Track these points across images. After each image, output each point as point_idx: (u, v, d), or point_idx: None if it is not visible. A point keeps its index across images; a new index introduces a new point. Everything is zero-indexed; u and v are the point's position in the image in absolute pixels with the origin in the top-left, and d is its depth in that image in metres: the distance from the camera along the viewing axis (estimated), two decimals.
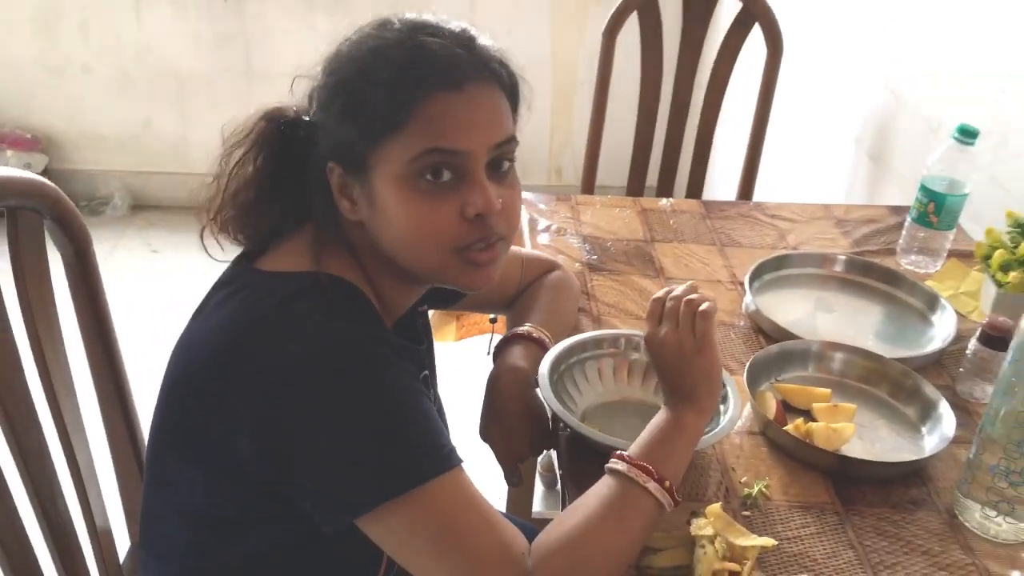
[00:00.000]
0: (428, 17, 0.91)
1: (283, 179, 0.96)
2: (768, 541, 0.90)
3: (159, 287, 2.73)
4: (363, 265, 0.95)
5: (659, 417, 0.95)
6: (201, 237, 0.98)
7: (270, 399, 0.85)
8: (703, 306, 0.95)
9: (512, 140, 0.91)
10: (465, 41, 0.90)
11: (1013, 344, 0.94)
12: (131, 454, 1.25)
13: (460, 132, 0.87)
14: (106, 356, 1.18)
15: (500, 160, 0.91)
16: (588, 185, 2.24)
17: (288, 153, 0.95)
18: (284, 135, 0.95)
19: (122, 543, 1.26)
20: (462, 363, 1.81)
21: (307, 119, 0.94)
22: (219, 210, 0.97)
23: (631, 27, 2.12)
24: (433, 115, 0.86)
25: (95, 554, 1.19)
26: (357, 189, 0.91)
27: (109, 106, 3.24)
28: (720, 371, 0.98)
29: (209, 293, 0.99)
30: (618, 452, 0.91)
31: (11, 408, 1.01)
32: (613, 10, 2.12)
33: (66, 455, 1.12)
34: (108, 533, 1.22)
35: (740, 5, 2.12)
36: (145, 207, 3.26)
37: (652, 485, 0.88)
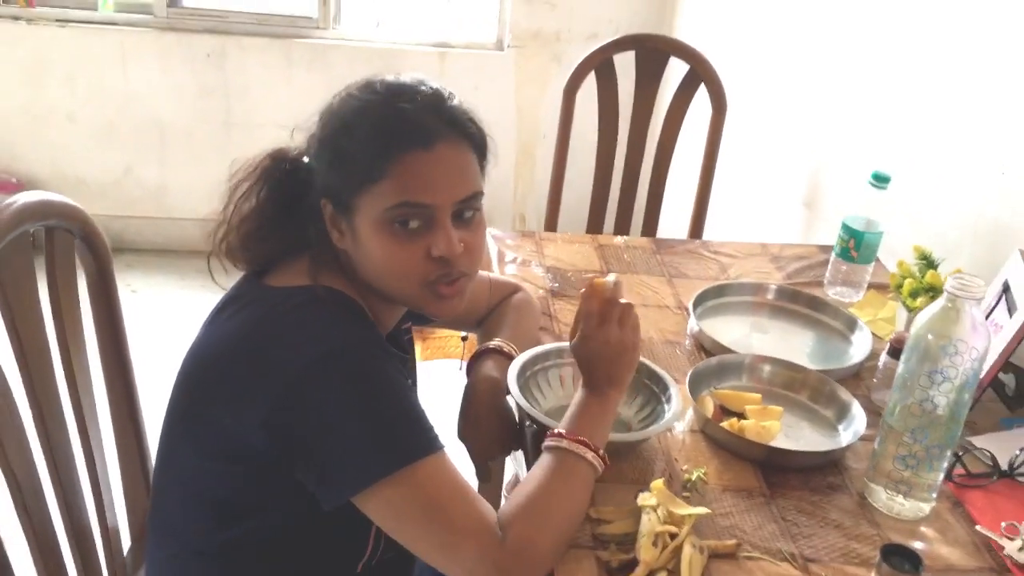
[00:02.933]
0: (406, 79, 1.06)
1: (282, 211, 1.10)
2: (702, 510, 1.06)
3: (137, 325, 2.83)
4: (355, 285, 1.10)
5: (583, 397, 1.09)
6: (208, 260, 1.13)
7: (284, 393, 0.98)
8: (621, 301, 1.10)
9: (476, 195, 1.06)
10: (437, 103, 1.05)
11: (905, 347, 1.12)
12: (136, 454, 1.37)
13: (427, 188, 1.02)
14: (118, 361, 1.32)
15: (463, 210, 1.05)
16: (550, 229, 2.42)
17: (288, 188, 1.09)
18: (286, 173, 1.10)
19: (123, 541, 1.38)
20: (428, 381, 1.96)
21: (306, 160, 1.09)
22: (224, 236, 1.12)
23: (589, 85, 2.33)
24: (404, 172, 1.01)
25: (104, 548, 1.31)
26: (344, 224, 1.06)
27: (92, 153, 3.37)
28: (638, 355, 1.13)
29: (218, 307, 1.13)
30: (555, 431, 1.06)
31: (43, 402, 1.14)
32: (573, 70, 2.33)
33: (84, 451, 1.25)
34: (116, 530, 1.34)
35: (687, 67, 2.33)
36: (124, 250, 3.38)
37: (589, 455, 1.04)
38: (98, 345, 1.30)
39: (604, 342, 1.09)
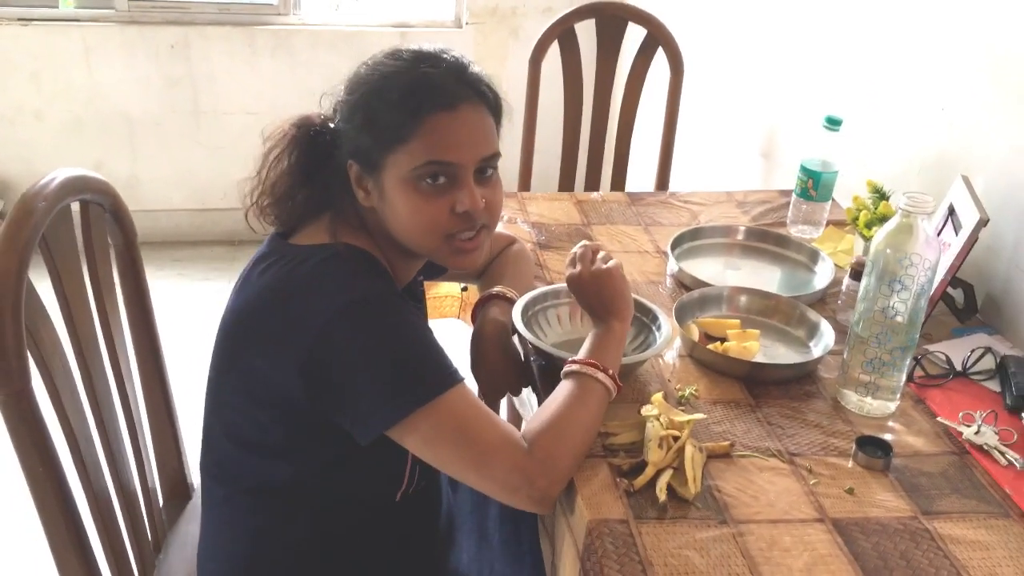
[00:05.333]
0: (429, 48, 1.16)
1: (309, 172, 1.19)
2: (700, 416, 1.20)
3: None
4: (375, 241, 1.20)
5: (592, 332, 1.25)
6: (246, 216, 1.23)
7: (315, 340, 1.07)
8: (601, 253, 1.28)
9: (496, 155, 1.17)
10: (460, 69, 1.15)
11: (867, 262, 1.26)
12: (166, 418, 1.47)
13: (453, 148, 1.12)
14: (146, 329, 1.41)
15: (485, 168, 1.16)
16: (524, 190, 2.54)
17: (314, 152, 1.19)
18: (312, 137, 1.19)
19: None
20: None
21: (332, 126, 1.19)
22: (259, 197, 1.21)
23: (552, 54, 2.44)
24: (432, 132, 1.11)
25: (145, 502, 1.40)
26: (371, 183, 1.15)
27: (62, 149, 3.41)
28: (627, 286, 1.28)
29: (250, 267, 1.22)
30: (570, 359, 1.20)
31: (91, 367, 1.23)
32: (535, 41, 2.45)
33: (123, 413, 1.34)
34: (155, 488, 1.44)
35: (645, 32, 2.46)
36: None
37: (601, 375, 1.17)
38: (126, 314, 1.39)
39: (590, 275, 1.26)
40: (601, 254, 1.30)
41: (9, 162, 3.39)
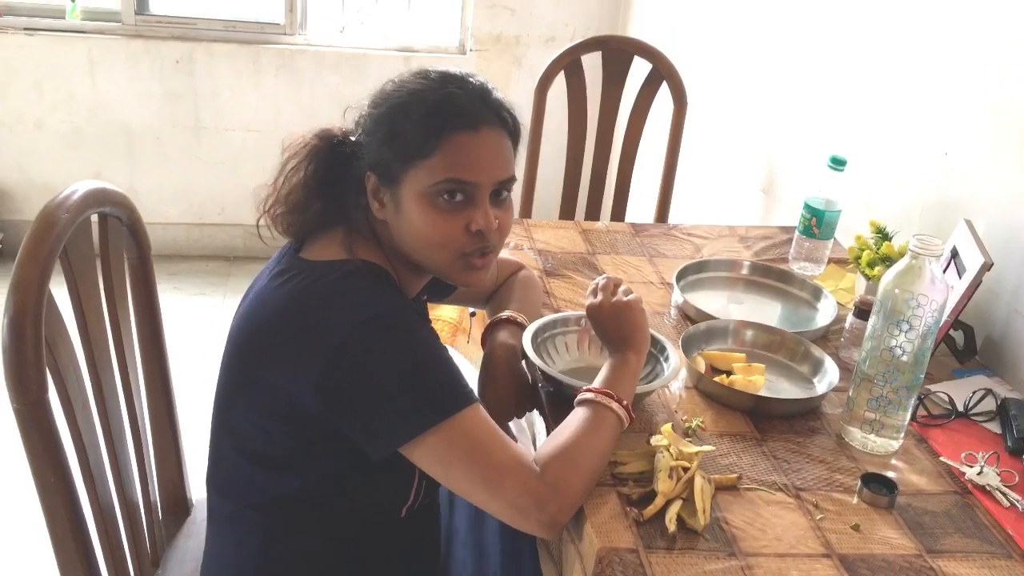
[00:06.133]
0: (455, 71, 1.19)
1: (325, 184, 1.20)
2: (709, 447, 1.21)
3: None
4: (386, 255, 1.21)
5: (608, 362, 1.26)
6: (257, 225, 1.23)
7: (333, 356, 1.07)
8: (623, 286, 1.32)
9: (512, 179, 1.19)
10: (484, 92, 1.17)
11: (875, 302, 1.28)
12: (168, 425, 1.46)
13: (472, 167, 1.14)
14: (155, 343, 1.42)
15: (500, 191, 1.18)
16: (525, 216, 2.55)
17: (333, 164, 1.20)
18: (331, 149, 1.21)
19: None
20: None
21: (352, 139, 1.20)
22: (273, 206, 1.22)
23: (559, 84, 2.48)
24: (454, 151, 1.13)
25: (146, 516, 1.40)
26: (387, 196, 1.17)
27: (60, 159, 3.40)
28: (646, 320, 1.30)
29: (265, 281, 1.22)
30: (585, 388, 1.21)
31: (103, 379, 1.23)
32: (543, 70, 2.48)
33: (130, 427, 1.34)
34: (156, 502, 1.43)
35: (650, 66, 2.50)
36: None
37: (615, 405, 1.18)
38: (135, 326, 1.39)
39: (611, 306, 1.28)
40: (623, 287, 1.32)
41: (7, 170, 3.38)
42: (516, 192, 2.63)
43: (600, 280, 1.34)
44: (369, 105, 1.19)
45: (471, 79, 1.18)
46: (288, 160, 1.21)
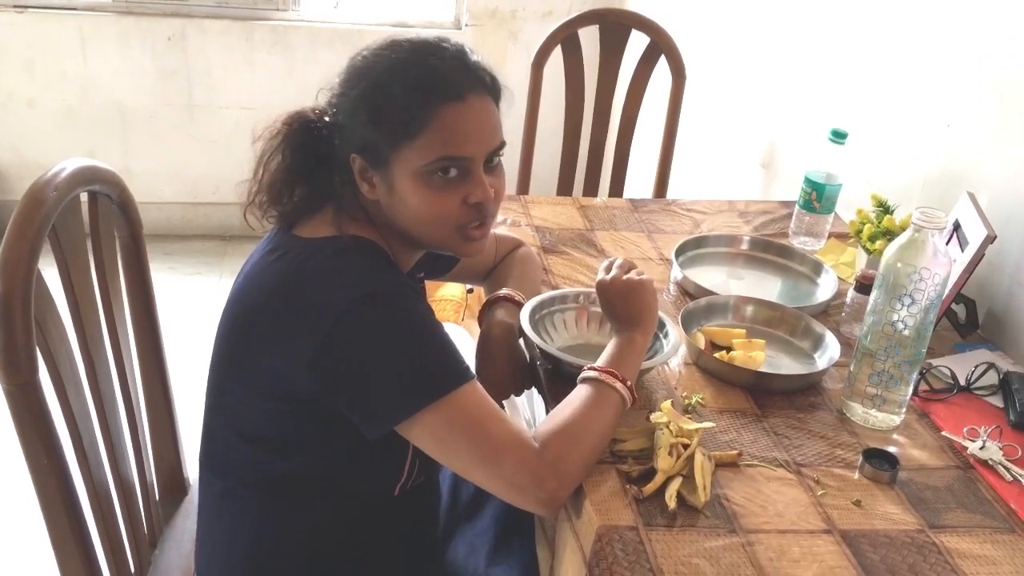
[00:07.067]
0: (428, 37, 1.14)
1: (306, 168, 1.17)
2: (709, 424, 1.20)
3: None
4: (379, 231, 1.19)
5: (613, 340, 1.25)
6: (244, 214, 1.21)
7: (328, 334, 1.05)
8: (636, 268, 1.30)
9: (502, 144, 1.16)
10: (463, 57, 1.13)
11: (877, 275, 1.27)
12: (163, 405, 1.45)
13: (465, 142, 1.11)
14: (148, 321, 1.40)
15: (492, 158, 1.16)
16: (522, 193, 2.53)
17: (310, 147, 1.16)
18: (307, 132, 1.17)
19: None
20: None
21: (328, 119, 1.16)
22: (256, 194, 1.19)
23: (556, 59, 2.44)
24: (442, 127, 1.09)
25: (142, 497, 1.39)
26: (377, 177, 1.14)
27: (53, 139, 3.37)
28: (656, 301, 1.28)
29: (257, 260, 1.20)
30: (589, 366, 1.20)
31: (95, 358, 1.22)
32: (539, 44, 2.45)
33: (124, 406, 1.33)
34: (153, 482, 1.42)
35: (648, 40, 2.47)
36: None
37: (618, 384, 1.16)
38: (128, 306, 1.38)
39: (622, 284, 1.27)
40: (636, 269, 1.31)
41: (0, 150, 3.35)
42: (513, 169, 2.63)
43: (616, 259, 1.33)
44: (342, 84, 1.15)
45: (446, 45, 1.14)
46: (264, 149, 1.18)
